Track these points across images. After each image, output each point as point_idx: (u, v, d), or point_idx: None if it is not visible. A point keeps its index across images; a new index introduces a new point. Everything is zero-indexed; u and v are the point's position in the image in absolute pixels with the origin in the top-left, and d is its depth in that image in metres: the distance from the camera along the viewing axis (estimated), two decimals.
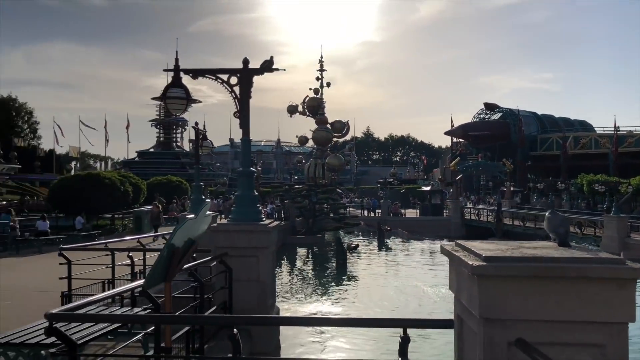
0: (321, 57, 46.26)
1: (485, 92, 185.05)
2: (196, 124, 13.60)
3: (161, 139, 51.41)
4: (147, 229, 26.31)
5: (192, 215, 4.80)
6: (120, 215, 26.63)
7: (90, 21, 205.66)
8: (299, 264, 27.25)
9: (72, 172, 48.88)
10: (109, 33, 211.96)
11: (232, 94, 7.41)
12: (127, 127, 61.05)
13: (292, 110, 42.65)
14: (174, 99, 7.49)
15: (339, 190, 45.31)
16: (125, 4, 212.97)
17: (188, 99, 7.63)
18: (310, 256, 29.86)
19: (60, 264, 7.69)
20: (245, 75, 7.31)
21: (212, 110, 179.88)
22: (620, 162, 61.10)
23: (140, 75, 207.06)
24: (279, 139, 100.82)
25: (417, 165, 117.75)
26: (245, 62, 7.36)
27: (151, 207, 28.90)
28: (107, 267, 8.75)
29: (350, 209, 47.11)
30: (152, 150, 53.77)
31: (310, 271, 24.83)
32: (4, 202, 33.01)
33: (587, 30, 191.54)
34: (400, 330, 3.04)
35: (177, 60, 7.61)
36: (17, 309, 9.22)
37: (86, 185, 24.42)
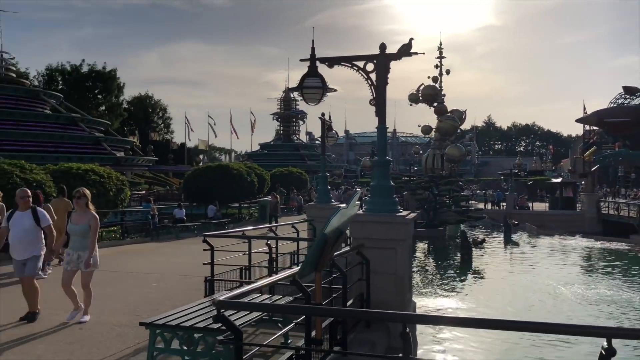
0: (440, 44, 44.58)
1: (621, 76, 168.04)
2: (322, 114, 13.63)
3: (281, 132, 53.20)
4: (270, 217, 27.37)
5: (344, 205, 4.65)
6: (247, 205, 27.92)
7: (214, 21, 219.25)
8: (420, 257, 26.63)
9: (201, 164, 52.34)
10: (231, 32, 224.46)
11: (368, 81, 7.19)
12: (254, 123, 64.08)
13: (414, 99, 41.73)
14: (311, 88, 7.46)
15: (460, 182, 43.58)
16: (246, 3, 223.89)
17: (324, 88, 7.56)
18: (431, 250, 29.03)
19: (204, 250, 8.03)
20: (382, 61, 7.04)
21: (326, 102, 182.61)
22: None
23: (260, 71, 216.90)
24: (394, 130, 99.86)
25: (543, 155, 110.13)
26: (382, 47, 7.11)
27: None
28: (244, 254, 9.02)
29: (472, 201, 45.25)
30: (272, 142, 55.87)
31: (433, 266, 24.12)
32: (143, 192, 36.25)
33: None
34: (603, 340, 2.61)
35: (313, 49, 7.58)
36: (164, 291, 9.88)
37: (216, 176, 25.94)
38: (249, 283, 8.88)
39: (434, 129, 43.61)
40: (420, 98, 42.11)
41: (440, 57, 44.07)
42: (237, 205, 27.92)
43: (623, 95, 78.21)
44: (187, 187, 28.14)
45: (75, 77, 63.90)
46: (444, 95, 42.27)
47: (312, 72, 7.54)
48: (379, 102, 7.08)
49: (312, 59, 7.55)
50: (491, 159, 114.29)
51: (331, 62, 7.27)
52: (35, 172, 15.65)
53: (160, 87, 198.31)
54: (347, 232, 7.17)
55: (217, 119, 69.85)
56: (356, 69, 7.24)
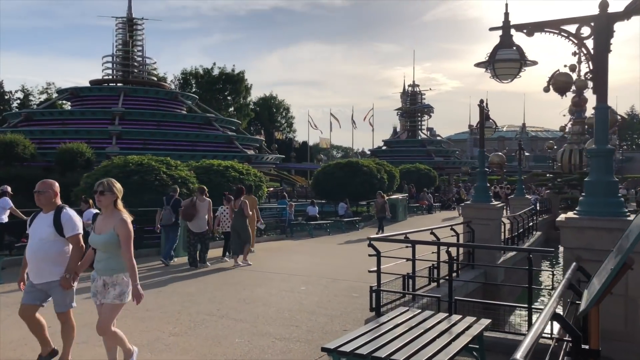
0: (578, 28, 40.36)
1: None
2: (481, 101, 12.09)
3: (407, 127, 51.51)
4: (401, 217, 26.06)
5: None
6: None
7: (333, 21, 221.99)
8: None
9: (322, 163, 52.39)
10: (349, 31, 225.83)
11: (583, 49, 5.70)
12: (372, 120, 63.14)
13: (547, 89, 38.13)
14: (505, 61, 6.13)
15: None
16: (363, 2, 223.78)
17: (523, 61, 6.18)
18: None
19: (370, 255, 7.04)
20: (603, 23, 5.52)
21: (445, 98, 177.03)
22: None
23: (378, 68, 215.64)
24: (524, 124, 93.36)
25: None
26: (604, 5, 5.57)
27: (404, 195, 28.71)
28: (407, 261, 7.93)
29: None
30: (396, 139, 54.43)
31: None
32: (271, 189, 36.76)
33: None
34: None
35: (506, 15, 6.21)
36: (315, 296, 9.09)
37: (347, 173, 25.22)
38: (413, 295, 7.76)
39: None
40: (551, 87, 38.28)
41: (580, 41, 39.74)
42: (366, 203, 26.99)
43: None
44: (316, 184, 27.76)
45: (207, 80, 67.43)
46: (588, 86, 37.90)
47: (507, 42, 6.18)
48: (599, 75, 5.56)
49: (506, 26, 6.19)
50: (636, 154, 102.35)
51: (532, 29, 5.85)
52: (180, 168, 15.90)
53: (282, 88, 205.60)
54: (561, 240, 5.78)
55: (338, 117, 70.01)
56: (565, 35, 5.78)
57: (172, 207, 12.28)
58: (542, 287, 13.05)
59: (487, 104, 11.94)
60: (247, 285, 10.04)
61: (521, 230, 17.94)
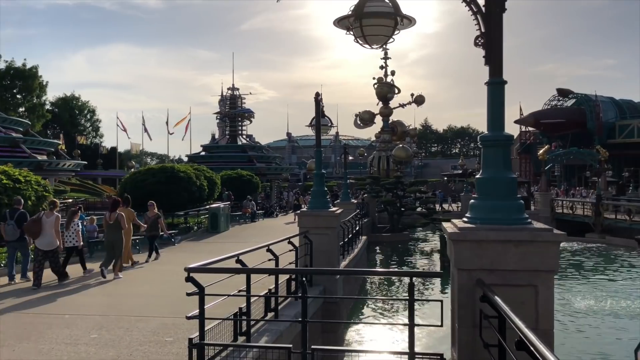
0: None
1: (544, 81, 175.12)
2: (317, 94, 10.57)
3: (227, 132, 49.26)
4: (223, 227, 23.87)
5: None
6: (195, 212, 24.21)
7: (146, 23, 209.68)
8: (382, 263, 24.30)
9: (133, 170, 47.62)
10: (165, 34, 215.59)
11: (472, 6, 4.34)
12: (185, 123, 59.49)
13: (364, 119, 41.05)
14: (376, 17, 4.48)
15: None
16: (179, 4, 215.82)
17: (398, 16, 4.59)
18: (397, 256, 26.67)
19: (189, 294, 4.83)
20: None
21: (263, 107, 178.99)
22: None
23: (196, 74, 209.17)
24: (337, 132, 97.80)
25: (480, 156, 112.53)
26: None
27: (225, 203, 26.52)
28: (239, 293, 5.91)
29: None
30: (215, 144, 51.93)
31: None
32: (69, 200, 31.48)
33: None
34: None
35: None
36: (110, 347, 6.52)
37: (160, 180, 22.07)
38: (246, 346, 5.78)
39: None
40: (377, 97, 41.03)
41: (386, 57, 42.71)
42: (184, 213, 24.11)
43: (557, 97, 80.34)
44: (123, 194, 23.94)
45: None
46: (398, 92, 40.71)
47: None
48: (494, 40, 4.24)
49: None
50: (431, 161, 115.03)
51: None
52: None
53: (90, 90, 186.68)
54: (452, 259, 4.31)
55: (151, 122, 65.08)
56: None
57: (16, 221, 11.50)
58: (426, 299, 12.31)
59: (321, 98, 10.54)
60: (8, 338, 6.99)
61: (350, 235, 17.26)
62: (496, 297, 3.63)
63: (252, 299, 6.30)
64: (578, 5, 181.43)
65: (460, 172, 78.21)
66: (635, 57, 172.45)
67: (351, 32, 4.70)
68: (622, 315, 14.63)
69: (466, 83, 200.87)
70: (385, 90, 40.32)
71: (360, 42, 4.66)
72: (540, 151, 47.49)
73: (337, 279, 10.59)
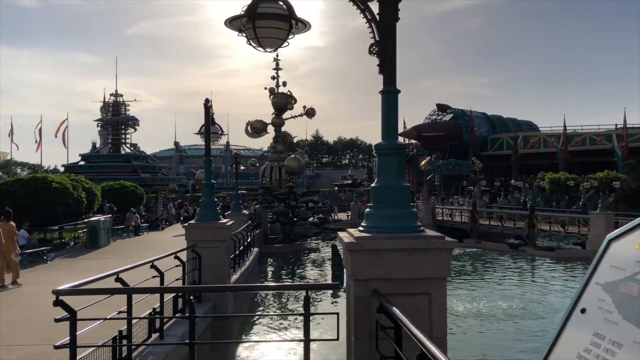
0: (277, 56, 43.68)
1: (425, 97, 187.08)
2: (207, 100, 10.08)
3: (109, 141, 46.24)
4: (104, 242, 22.23)
5: None
6: (71, 226, 22.26)
7: (17, 22, 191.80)
8: (275, 275, 24.13)
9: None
10: (39, 35, 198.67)
11: (367, 14, 4.30)
12: (62, 131, 54.93)
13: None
14: (270, 18, 4.25)
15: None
16: (56, 4, 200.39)
17: (293, 19, 4.39)
18: (290, 267, 26.62)
19: (56, 320, 4.24)
20: None
21: (149, 115, 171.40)
22: (569, 161, 62.43)
23: (75, 79, 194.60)
24: (228, 142, 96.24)
25: (371, 167, 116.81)
26: None
27: (106, 216, 24.76)
28: (119, 315, 5.38)
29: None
30: (95, 153, 48.53)
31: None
32: None
33: (520, 36, 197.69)
34: None
35: None
36: None
37: (30, 191, 19.98)
38: None
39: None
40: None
41: (277, 68, 43.04)
42: (58, 228, 22.06)
43: (437, 112, 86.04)
44: (4, 207, 21.39)
45: None
46: (295, 102, 41.08)
47: None
48: (387, 49, 4.22)
49: None
50: (322, 172, 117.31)
51: None
52: None
53: None
54: (348, 269, 4.22)
55: (23, 130, 59.26)
56: None
57: None
58: (322, 312, 12.14)
59: (210, 106, 10.08)
60: None
61: (241, 248, 16.88)
62: (394, 307, 3.56)
63: (135, 321, 5.76)
64: (454, 28, 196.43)
65: (350, 182, 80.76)
66: (504, 76, 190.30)
67: (244, 34, 4.46)
68: (499, 315, 15.71)
69: (356, 96, 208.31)
70: (283, 101, 40.44)
71: (254, 44, 4.44)
72: (422, 162, 50.49)
73: (227, 294, 10.18)
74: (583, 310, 2.27)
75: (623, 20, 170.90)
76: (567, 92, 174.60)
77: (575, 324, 2.28)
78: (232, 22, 4.44)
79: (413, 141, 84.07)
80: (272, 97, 40.23)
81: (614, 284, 2.17)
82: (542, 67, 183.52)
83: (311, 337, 4.48)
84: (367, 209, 4.43)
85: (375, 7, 4.35)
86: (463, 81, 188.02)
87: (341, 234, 4.63)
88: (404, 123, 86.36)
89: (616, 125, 63.80)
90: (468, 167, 55.57)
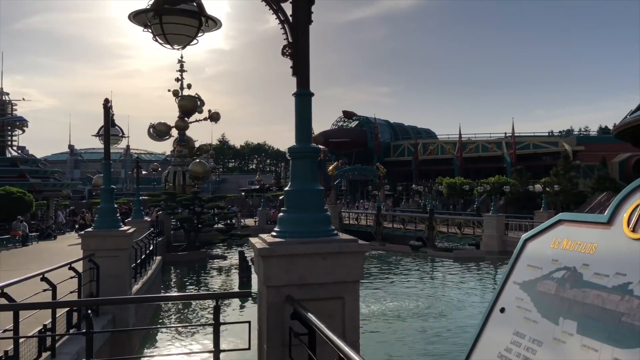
0: (181, 57, 42.62)
1: (332, 104, 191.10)
2: (106, 100, 9.39)
3: None
4: None
5: None
6: None
7: None
8: (179, 284, 23.34)
9: None
10: None
11: (280, 15, 4.22)
12: None
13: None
14: (178, 14, 3.98)
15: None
16: None
17: (203, 16, 4.15)
18: (195, 275, 25.84)
19: None
20: None
21: (40, 116, 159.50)
22: (464, 167, 66.69)
23: None
24: (128, 146, 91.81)
25: (279, 172, 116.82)
26: None
27: None
28: (4, 334, 4.87)
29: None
30: None
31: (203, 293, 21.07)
32: None
33: (420, 47, 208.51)
34: None
35: None
36: None
37: None
38: None
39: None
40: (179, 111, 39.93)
41: (182, 70, 42.03)
42: None
43: (343, 119, 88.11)
44: None
45: None
46: (202, 105, 40.14)
47: None
48: (300, 51, 4.17)
49: None
50: (228, 177, 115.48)
51: None
52: None
53: None
54: (260, 276, 4.12)
55: None
56: None
57: None
58: (234, 321, 11.67)
59: (111, 111, 9.50)
60: None
61: (143, 256, 16.11)
62: (308, 313, 3.50)
63: (22, 340, 5.22)
64: (359, 37, 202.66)
65: (258, 187, 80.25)
66: (405, 86, 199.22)
67: (150, 30, 4.19)
68: (404, 315, 16.27)
69: (263, 100, 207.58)
70: (190, 103, 39.26)
71: (160, 41, 4.18)
72: (330, 167, 51.41)
73: (129, 306, 9.60)
74: (502, 310, 2.33)
75: (513, 35, 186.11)
76: (462, 102, 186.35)
77: (495, 324, 2.34)
78: (137, 17, 4.15)
79: (321, 147, 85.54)
80: (178, 99, 38.95)
81: (531, 283, 2.25)
82: (440, 78, 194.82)
83: (221, 348, 4.31)
84: (281, 214, 4.34)
85: (288, 9, 4.29)
86: (368, 89, 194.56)
87: (253, 239, 4.50)
88: (312, 129, 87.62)
89: (505, 133, 69.11)
90: (373, 172, 57.38)
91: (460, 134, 69.76)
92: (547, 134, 77.74)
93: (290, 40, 4.23)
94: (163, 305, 17.57)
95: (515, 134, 63.86)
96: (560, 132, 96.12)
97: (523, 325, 2.16)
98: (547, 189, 45.16)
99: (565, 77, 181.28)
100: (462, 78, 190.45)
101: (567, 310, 1.98)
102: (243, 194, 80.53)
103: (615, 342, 1.73)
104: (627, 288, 1.79)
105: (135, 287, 12.35)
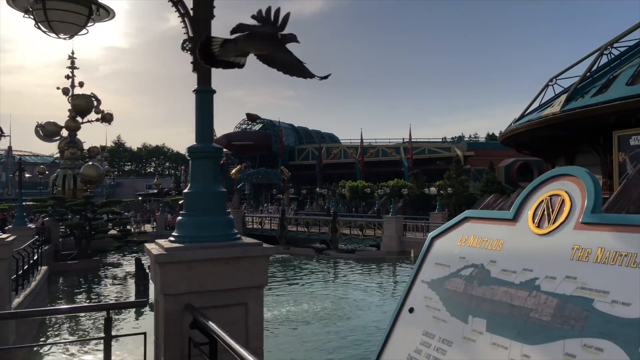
0: (72, 53, 39.94)
1: (236, 106, 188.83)
2: None
3: None
4: None
5: None
6: None
7: None
8: (69, 295, 21.78)
9: None
10: None
11: (179, 7, 3.96)
12: None
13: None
14: (66, 0, 3.54)
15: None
16: None
17: (93, 4, 3.73)
18: (87, 285, 24.19)
19: None
20: None
21: None
22: (365, 170, 68.95)
23: None
24: (10, 147, 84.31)
25: (178, 175, 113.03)
26: None
27: None
28: None
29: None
30: None
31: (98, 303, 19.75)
32: None
33: (323, 52, 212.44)
34: None
35: None
36: None
37: None
38: None
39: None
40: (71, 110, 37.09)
41: (73, 66, 39.37)
42: None
43: (246, 121, 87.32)
44: None
45: None
46: (99, 104, 37.73)
47: None
48: (202, 37, 3.95)
49: None
50: (124, 180, 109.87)
51: None
52: None
53: None
54: (157, 284, 3.84)
55: None
56: None
57: None
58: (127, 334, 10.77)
59: None
60: None
61: (26, 267, 14.78)
62: (209, 322, 3.29)
63: None
64: None
65: (156, 191, 77.05)
66: (309, 90, 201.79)
67: (31, 16, 3.73)
68: (309, 319, 16.27)
69: (163, 101, 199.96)
70: (84, 103, 36.65)
71: (44, 28, 3.73)
72: (233, 171, 50.59)
73: (8, 322, 8.69)
74: (411, 310, 2.28)
75: (410, 42, 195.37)
76: (364, 108, 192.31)
77: (404, 324, 2.28)
78: (17, 1, 3.67)
79: (224, 149, 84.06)
80: (70, 98, 36.33)
81: (439, 281, 2.22)
82: (343, 84, 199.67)
83: None
84: (179, 217, 4.06)
85: (189, 2, 4.05)
86: (273, 92, 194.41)
87: (149, 245, 4.18)
88: (214, 131, 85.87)
89: (403, 139, 72.25)
90: (277, 175, 57.37)
91: (362, 139, 71.88)
92: (441, 140, 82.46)
93: (190, 34, 3.99)
94: (50, 320, 16.18)
95: (412, 140, 66.96)
96: (452, 138, 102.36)
97: (432, 325, 2.13)
98: (441, 191, 47.84)
99: (457, 84, 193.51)
100: (364, 84, 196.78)
101: (476, 308, 1.97)
102: (140, 198, 77.02)
103: (524, 338, 1.73)
104: (534, 284, 1.81)
105: (17, 301, 11.26)
